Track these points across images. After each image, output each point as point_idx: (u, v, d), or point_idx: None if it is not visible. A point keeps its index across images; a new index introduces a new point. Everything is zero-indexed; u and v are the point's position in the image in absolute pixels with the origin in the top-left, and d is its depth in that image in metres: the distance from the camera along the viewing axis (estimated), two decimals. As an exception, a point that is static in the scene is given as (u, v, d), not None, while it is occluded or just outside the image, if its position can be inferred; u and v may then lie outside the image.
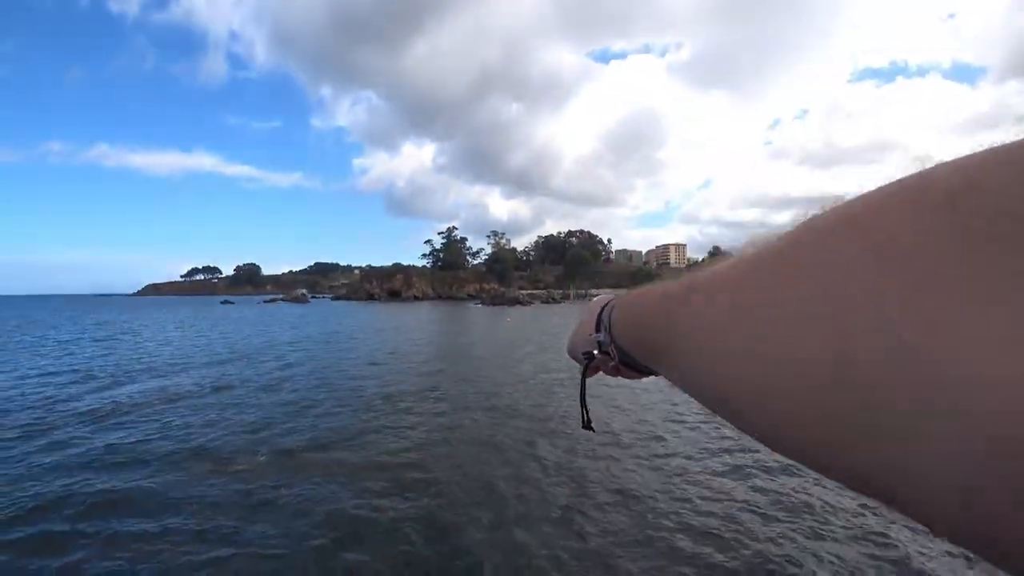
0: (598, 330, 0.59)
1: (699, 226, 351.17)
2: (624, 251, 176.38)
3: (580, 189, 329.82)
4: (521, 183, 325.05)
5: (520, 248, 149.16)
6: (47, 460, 7.92)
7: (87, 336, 33.21)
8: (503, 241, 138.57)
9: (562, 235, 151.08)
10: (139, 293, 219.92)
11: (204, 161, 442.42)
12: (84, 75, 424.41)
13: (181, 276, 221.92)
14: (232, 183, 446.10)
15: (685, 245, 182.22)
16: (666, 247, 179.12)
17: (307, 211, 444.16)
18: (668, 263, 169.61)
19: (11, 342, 29.08)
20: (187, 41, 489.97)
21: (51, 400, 12.66)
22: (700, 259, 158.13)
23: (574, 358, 0.68)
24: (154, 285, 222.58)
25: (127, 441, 8.96)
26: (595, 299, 0.72)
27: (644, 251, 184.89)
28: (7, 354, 22.73)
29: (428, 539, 5.53)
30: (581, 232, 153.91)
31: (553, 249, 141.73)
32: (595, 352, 0.59)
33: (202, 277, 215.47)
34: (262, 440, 9.37)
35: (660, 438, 9.00)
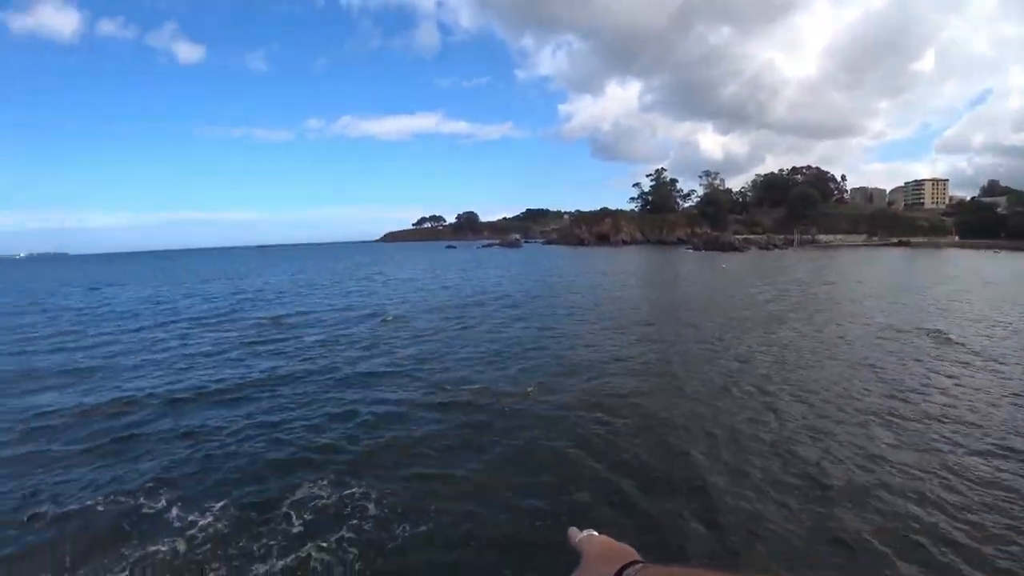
0: None
1: (967, 155, 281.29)
2: (862, 189, 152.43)
3: (806, 118, 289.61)
4: (736, 116, 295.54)
5: (735, 189, 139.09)
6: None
7: (353, 276, 42.08)
8: (716, 182, 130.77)
9: (785, 172, 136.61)
10: (380, 240, 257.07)
11: (425, 122, 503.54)
12: (326, 61, 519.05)
13: (412, 224, 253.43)
14: (450, 139, 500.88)
15: (946, 181, 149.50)
16: (919, 183, 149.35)
17: (517, 160, 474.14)
18: (921, 203, 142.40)
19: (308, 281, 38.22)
20: (401, 18, 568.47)
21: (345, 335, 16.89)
22: (968, 198, 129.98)
23: None
24: (391, 233, 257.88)
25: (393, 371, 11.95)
26: (589, 541, 0.71)
27: (888, 189, 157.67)
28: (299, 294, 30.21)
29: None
30: (808, 168, 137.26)
31: (774, 188, 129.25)
32: None
33: (429, 225, 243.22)
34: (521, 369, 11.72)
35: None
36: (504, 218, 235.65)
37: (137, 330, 18.42)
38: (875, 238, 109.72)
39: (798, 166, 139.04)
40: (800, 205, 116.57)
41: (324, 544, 5.34)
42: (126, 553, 5.21)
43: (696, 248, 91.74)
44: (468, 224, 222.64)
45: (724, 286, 30.79)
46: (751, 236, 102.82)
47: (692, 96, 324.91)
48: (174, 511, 6.01)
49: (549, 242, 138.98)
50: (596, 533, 0.71)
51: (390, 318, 19.36)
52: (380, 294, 28.64)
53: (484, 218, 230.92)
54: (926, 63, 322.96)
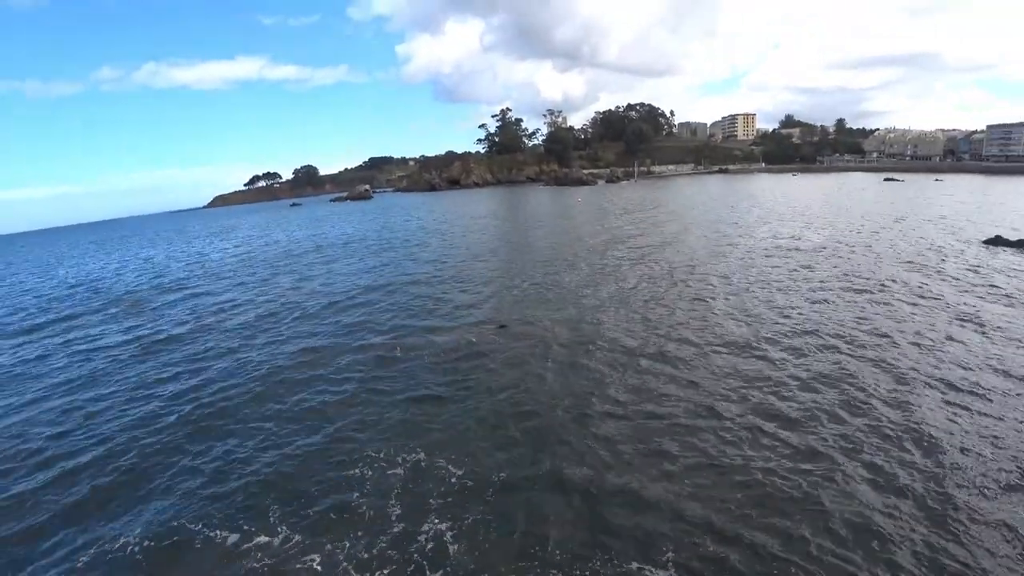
0: None
1: (771, 93, 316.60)
2: (687, 124, 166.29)
3: (636, 58, 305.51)
4: (573, 56, 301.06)
5: (577, 126, 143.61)
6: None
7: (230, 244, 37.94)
8: (559, 120, 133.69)
9: (620, 109, 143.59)
10: (209, 206, 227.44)
11: (248, 67, 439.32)
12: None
13: (244, 185, 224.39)
14: (279, 87, 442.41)
15: (754, 115, 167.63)
16: (733, 118, 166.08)
17: (356, 107, 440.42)
18: (735, 135, 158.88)
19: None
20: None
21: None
22: (771, 130, 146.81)
23: None
24: (221, 197, 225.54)
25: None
26: None
27: (709, 123, 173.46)
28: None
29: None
30: (641, 105, 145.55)
31: (612, 125, 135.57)
32: None
33: (264, 183, 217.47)
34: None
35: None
36: (346, 169, 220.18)
37: None
38: (700, 167, 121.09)
39: (632, 103, 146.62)
40: (635, 140, 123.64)
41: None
42: None
43: (547, 184, 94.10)
44: (308, 179, 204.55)
45: (588, 212, 39.33)
46: (596, 171, 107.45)
47: (531, 36, 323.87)
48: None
49: (399, 190, 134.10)
50: None
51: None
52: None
53: (325, 171, 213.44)
54: (734, 10, 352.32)
